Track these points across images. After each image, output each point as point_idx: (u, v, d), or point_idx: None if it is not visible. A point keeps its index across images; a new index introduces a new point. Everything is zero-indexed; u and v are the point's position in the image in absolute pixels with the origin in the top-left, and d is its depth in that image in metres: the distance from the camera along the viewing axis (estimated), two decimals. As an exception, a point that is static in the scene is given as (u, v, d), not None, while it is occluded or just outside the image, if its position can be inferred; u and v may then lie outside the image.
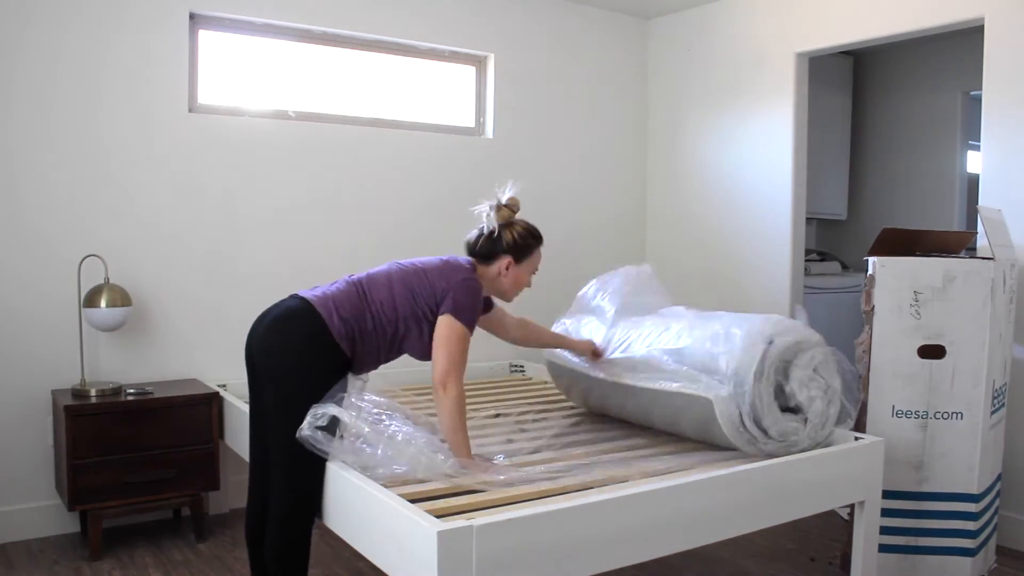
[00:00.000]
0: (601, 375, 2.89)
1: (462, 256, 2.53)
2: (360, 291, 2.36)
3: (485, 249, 2.51)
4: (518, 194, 2.56)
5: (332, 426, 2.19)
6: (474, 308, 2.38)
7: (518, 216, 2.57)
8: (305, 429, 2.15)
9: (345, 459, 2.19)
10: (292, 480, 2.24)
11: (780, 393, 2.52)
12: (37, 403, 3.28)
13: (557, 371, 3.21)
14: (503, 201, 2.53)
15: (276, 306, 2.36)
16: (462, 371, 2.31)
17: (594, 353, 2.91)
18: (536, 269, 2.60)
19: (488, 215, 2.52)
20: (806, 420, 2.51)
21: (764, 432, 2.45)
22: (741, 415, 2.43)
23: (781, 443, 2.47)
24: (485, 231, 2.52)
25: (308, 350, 2.25)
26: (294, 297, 2.36)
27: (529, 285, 2.63)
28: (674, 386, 2.60)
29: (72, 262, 3.27)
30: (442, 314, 2.33)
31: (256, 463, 2.42)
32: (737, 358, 2.45)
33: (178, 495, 3.21)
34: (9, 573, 2.95)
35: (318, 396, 2.19)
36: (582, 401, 3.17)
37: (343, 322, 2.28)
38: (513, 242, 2.50)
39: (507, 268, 2.51)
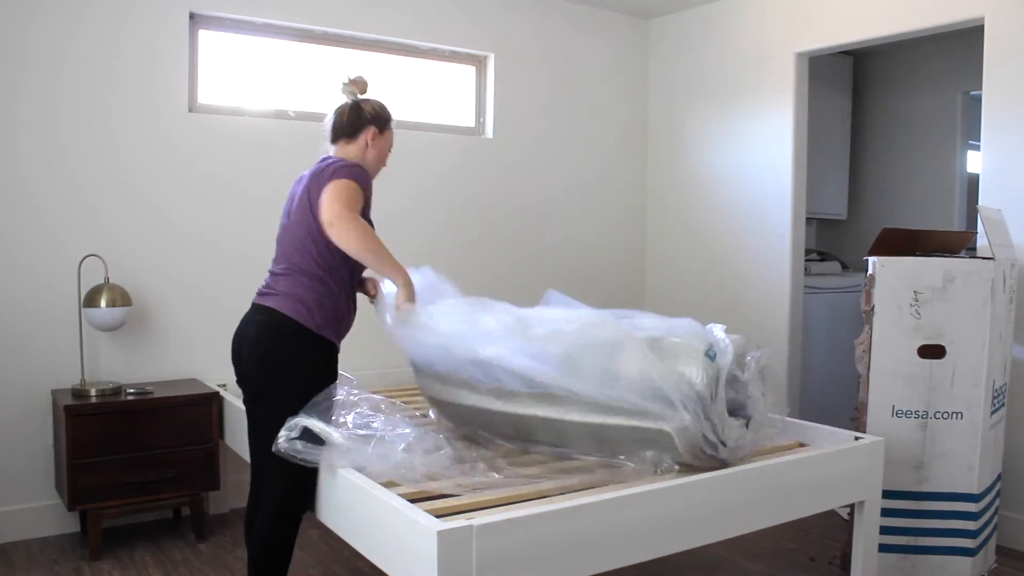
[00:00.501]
0: (500, 407, 2.46)
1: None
2: (293, 267, 2.34)
3: (349, 123, 2.48)
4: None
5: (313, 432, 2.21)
6: (357, 172, 2.33)
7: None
8: (281, 442, 2.16)
9: (335, 462, 2.18)
10: (283, 484, 2.29)
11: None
12: (37, 403, 3.28)
13: (426, 384, 2.72)
14: (351, 78, 2.56)
15: (248, 324, 2.39)
16: (353, 209, 2.25)
17: (405, 298, 2.42)
18: (391, 147, 2.59)
19: (344, 90, 2.54)
20: (747, 422, 2.33)
21: (723, 445, 2.24)
22: (704, 438, 2.19)
23: (734, 449, 2.27)
24: (346, 107, 2.50)
25: (298, 359, 2.29)
26: (261, 311, 2.35)
27: (386, 165, 2.60)
28: (615, 420, 2.25)
29: (72, 262, 3.27)
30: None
31: (254, 459, 2.47)
32: (690, 381, 2.16)
33: (178, 495, 3.21)
34: (9, 573, 2.95)
35: (310, 395, 2.23)
36: (453, 420, 2.73)
37: (316, 310, 2.29)
38: (374, 111, 2.51)
39: (372, 139, 2.49)
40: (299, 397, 2.22)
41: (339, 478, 2.18)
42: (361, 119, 2.49)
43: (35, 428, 3.28)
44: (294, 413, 2.19)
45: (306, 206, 2.32)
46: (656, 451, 2.25)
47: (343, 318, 2.39)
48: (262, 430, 2.33)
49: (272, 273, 2.42)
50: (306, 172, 2.44)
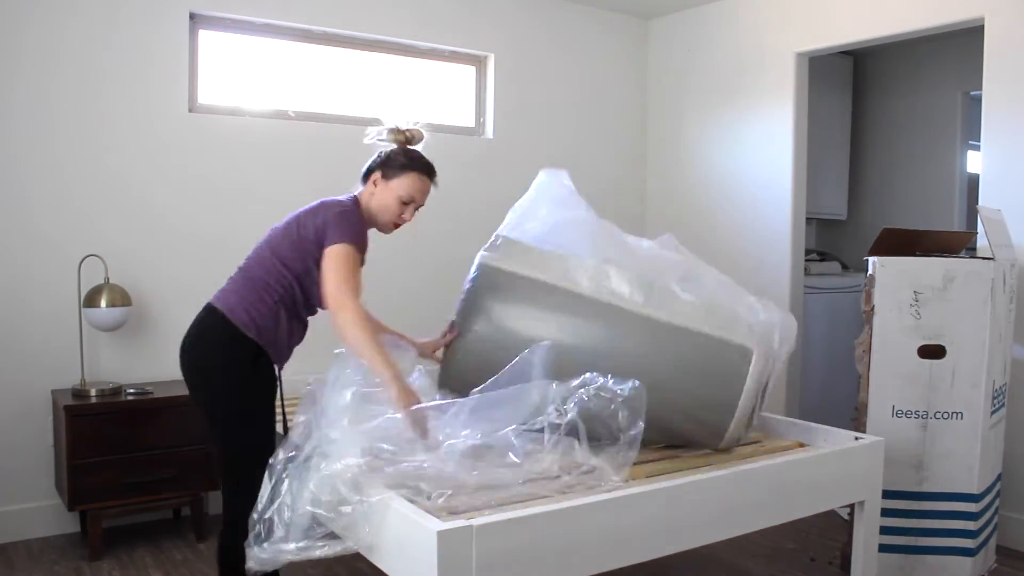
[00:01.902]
0: (584, 288, 2.42)
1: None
2: (250, 272, 2.29)
3: (364, 172, 2.39)
4: (420, 130, 2.46)
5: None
6: (355, 231, 2.23)
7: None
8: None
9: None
10: (233, 497, 2.29)
11: None
12: (37, 403, 3.28)
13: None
14: (402, 126, 2.41)
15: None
16: (355, 289, 2.17)
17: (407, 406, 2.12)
18: (412, 200, 2.37)
19: (381, 137, 2.40)
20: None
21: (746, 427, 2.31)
22: (766, 383, 2.23)
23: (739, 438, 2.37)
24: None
25: (219, 356, 2.22)
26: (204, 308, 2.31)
27: (405, 218, 2.41)
28: (702, 327, 2.29)
29: (72, 262, 3.27)
30: (325, 248, 2.20)
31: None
32: (771, 321, 2.23)
33: (178, 495, 3.21)
34: (9, 573, 2.95)
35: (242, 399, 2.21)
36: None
37: (246, 311, 2.21)
38: (384, 157, 2.36)
39: (375, 185, 2.34)
40: (224, 397, 2.20)
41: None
42: (370, 166, 2.39)
43: (35, 428, 3.28)
44: (223, 414, 2.20)
45: (292, 230, 2.30)
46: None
47: (279, 328, 2.26)
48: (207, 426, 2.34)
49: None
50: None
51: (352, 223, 2.24)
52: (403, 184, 2.35)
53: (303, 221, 2.27)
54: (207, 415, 2.28)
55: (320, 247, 2.21)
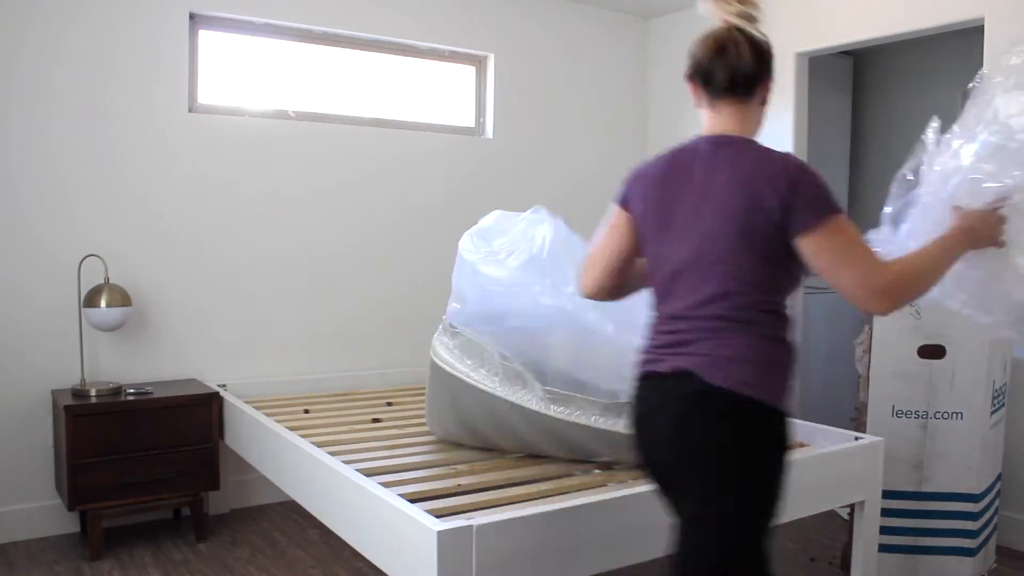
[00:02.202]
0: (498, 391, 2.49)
1: (715, 137, 1.63)
2: (729, 310, 1.52)
3: (753, 70, 1.60)
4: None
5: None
6: (827, 187, 1.50)
7: None
8: None
9: None
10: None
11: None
12: (37, 403, 3.28)
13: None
14: None
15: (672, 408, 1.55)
16: (876, 262, 1.47)
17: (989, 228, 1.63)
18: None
19: (722, 7, 1.69)
20: None
21: None
22: None
23: None
24: (741, 39, 1.61)
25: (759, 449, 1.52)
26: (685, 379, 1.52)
27: None
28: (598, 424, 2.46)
29: (72, 262, 3.27)
30: (808, 228, 1.46)
31: None
32: None
33: (178, 495, 3.21)
34: (9, 573, 2.95)
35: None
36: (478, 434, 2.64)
37: (770, 377, 1.51)
38: (771, 52, 1.64)
39: (765, 98, 1.65)
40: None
41: (339, 478, 2.18)
42: (763, 68, 1.61)
43: (35, 428, 3.28)
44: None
45: (743, 229, 1.49)
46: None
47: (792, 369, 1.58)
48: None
49: (675, 317, 1.58)
50: (696, 165, 1.61)
51: (817, 179, 1.50)
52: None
53: (752, 193, 1.50)
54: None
55: (780, 229, 1.49)
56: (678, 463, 1.55)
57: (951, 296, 1.78)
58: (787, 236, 1.49)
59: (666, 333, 1.59)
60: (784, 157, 1.53)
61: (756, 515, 1.51)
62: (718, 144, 1.60)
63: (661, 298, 1.63)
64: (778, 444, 1.51)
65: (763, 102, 1.64)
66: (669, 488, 1.62)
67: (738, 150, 1.56)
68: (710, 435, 1.49)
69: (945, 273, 1.55)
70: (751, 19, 1.64)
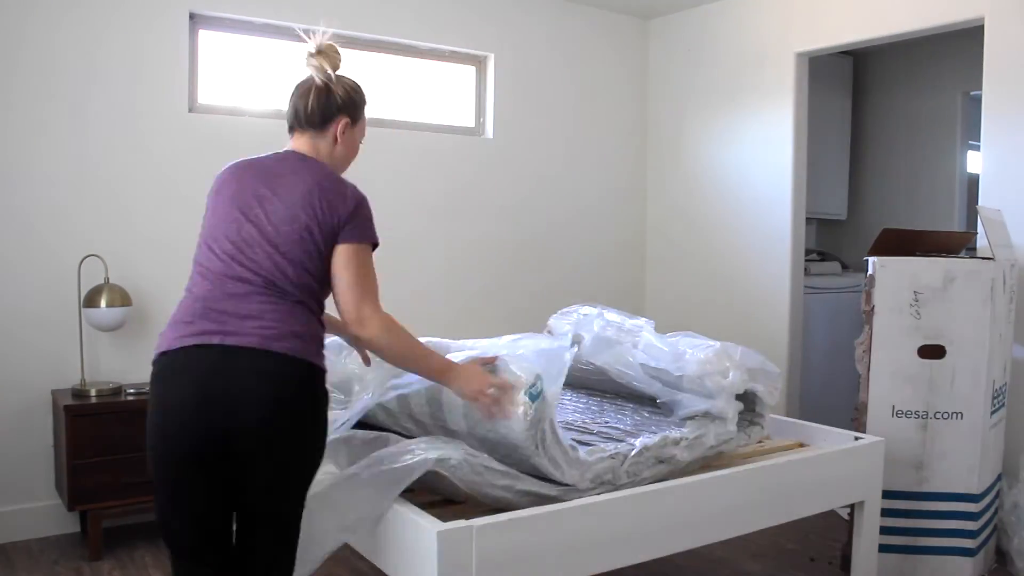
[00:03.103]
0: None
1: (290, 153, 1.98)
2: (278, 288, 1.80)
3: (318, 113, 1.93)
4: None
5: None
6: (368, 217, 1.91)
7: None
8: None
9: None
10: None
11: None
12: (37, 403, 3.28)
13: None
14: (320, 46, 2.01)
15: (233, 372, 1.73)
16: (376, 296, 1.85)
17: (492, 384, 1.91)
18: (363, 137, 2.07)
19: (310, 63, 1.98)
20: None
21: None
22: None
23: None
24: (312, 87, 1.95)
25: (317, 415, 1.81)
26: (255, 353, 1.73)
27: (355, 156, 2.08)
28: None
29: (72, 262, 3.27)
30: (342, 244, 1.82)
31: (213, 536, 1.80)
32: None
33: (178, 495, 3.21)
34: (9, 573, 2.95)
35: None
36: None
37: (317, 344, 1.83)
38: (347, 95, 1.96)
39: (343, 132, 1.96)
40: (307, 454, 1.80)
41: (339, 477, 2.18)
42: (330, 108, 1.95)
43: (35, 428, 3.28)
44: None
45: (303, 229, 1.81)
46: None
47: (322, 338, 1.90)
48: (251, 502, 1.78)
49: (224, 296, 1.85)
50: (265, 163, 1.98)
51: (363, 204, 1.91)
52: (363, 123, 2.03)
53: (318, 209, 1.83)
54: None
55: (328, 234, 1.82)
56: None
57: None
58: None
59: None
60: (350, 187, 1.91)
61: None
62: (294, 157, 2.00)
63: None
64: None
65: (335, 140, 1.97)
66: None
67: (315, 168, 1.94)
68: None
69: (416, 370, 1.92)
70: (331, 68, 2.01)
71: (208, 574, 1.77)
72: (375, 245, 1.92)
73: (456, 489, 1.97)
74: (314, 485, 1.83)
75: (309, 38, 2.02)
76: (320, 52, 2.00)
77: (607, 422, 2.47)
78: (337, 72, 2.01)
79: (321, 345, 1.84)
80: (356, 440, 2.13)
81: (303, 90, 1.98)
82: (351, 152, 2.03)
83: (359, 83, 2.05)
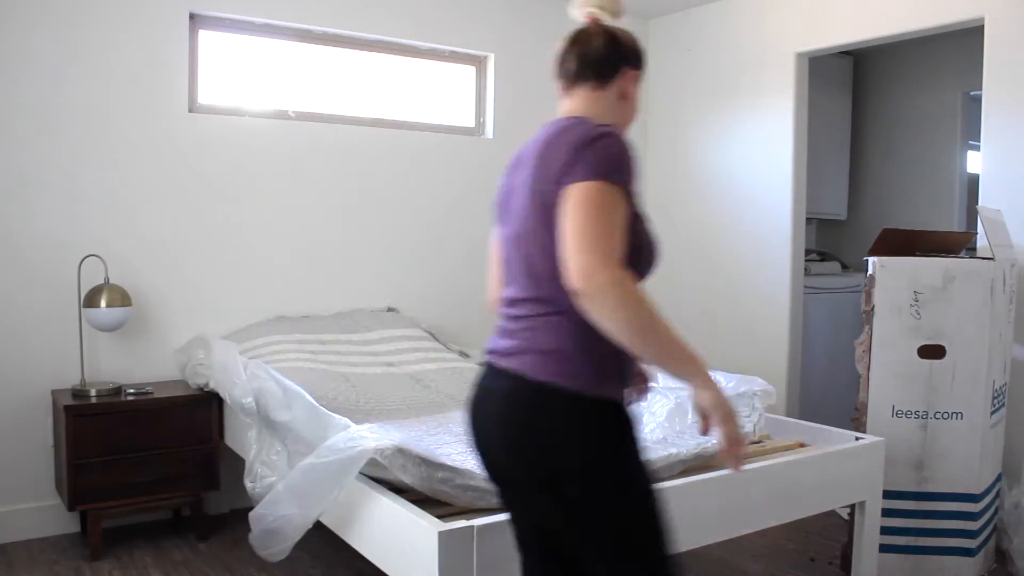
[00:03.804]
0: None
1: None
2: (541, 301, 1.48)
3: (603, 58, 1.61)
4: None
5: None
6: (613, 160, 1.44)
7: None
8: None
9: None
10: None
11: None
12: (37, 403, 3.28)
13: None
14: None
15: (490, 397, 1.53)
16: (611, 252, 1.35)
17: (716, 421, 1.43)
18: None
19: (583, 6, 1.71)
20: None
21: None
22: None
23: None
24: (593, 32, 1.65)
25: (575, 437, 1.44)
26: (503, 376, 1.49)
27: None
28: None
29: (72, 262, 3.27)
30: (572, 184, 1.42)
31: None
32: None
33: (178, 495, 3.21)
34: (9, 573, 2.95)
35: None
36: None
37: (581, 365, 1.45)
38: (632, 43, 1.65)
39: (629, 85, 1.63)
40: (612, 489, 1.44)
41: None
42: (619, 52, 1.62)
43: (35, 428, 3.28)
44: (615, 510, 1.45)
45: (538, 205, 1.47)
46: None
47: (624, 359, 1.49)
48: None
49: (508, 314, 1.55)
50: (528, 147, 1.60)
51: (607, 138, 1.46)
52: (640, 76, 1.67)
53: (542, 178, 1.48)
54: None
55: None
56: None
57: None
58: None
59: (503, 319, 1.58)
60: (591, 127, 1.46)
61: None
62: (549, 124, 1.57)
63: (503, 284, 1.61)
64: (601, 432, 1.45)
65: (622, 95, 1.63)
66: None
67: (558, 126, 1.53)
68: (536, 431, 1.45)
69: (665, 362, 1.38)
70: (612, 12, 1.67)
71: None
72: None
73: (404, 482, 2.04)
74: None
75: None
76: None
77: None
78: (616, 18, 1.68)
79: None
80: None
81: (580, 35, 1.67)
82: (635, 110, 1.68)
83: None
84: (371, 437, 2.07)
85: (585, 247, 1.35)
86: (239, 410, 2.78)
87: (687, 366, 1.38)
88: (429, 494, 1.99)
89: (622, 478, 1.44)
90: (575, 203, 1.39)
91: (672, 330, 1.36)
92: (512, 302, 1.54)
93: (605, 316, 1.33)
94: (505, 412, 1.49)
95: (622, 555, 1.44)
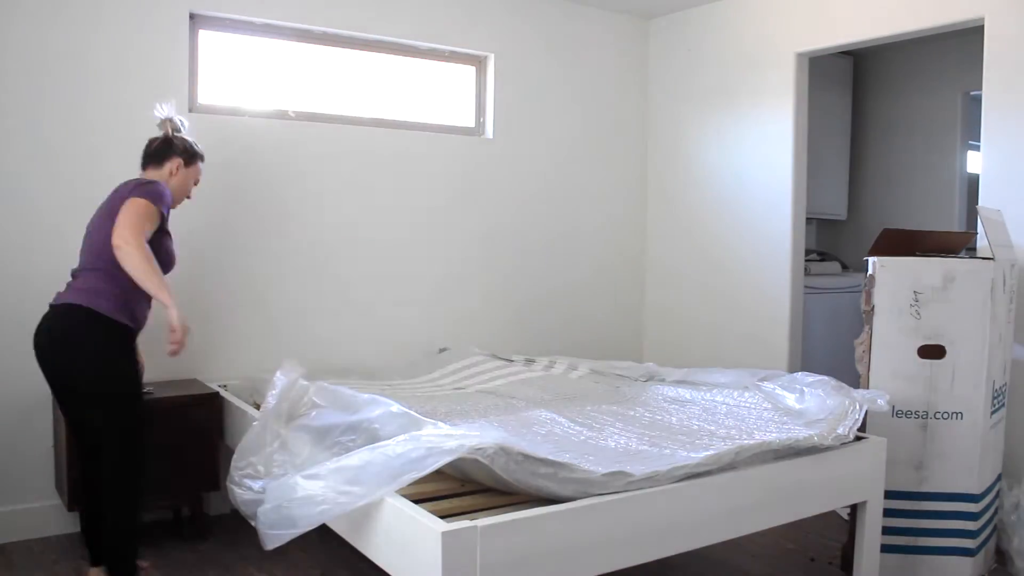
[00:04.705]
0: None
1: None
2: (89, 266, 2.67)
3: (157, 152, 2.86)
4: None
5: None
6: (156, 193, 2.65)
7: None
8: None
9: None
10: (124, 447, 2.62)
11: None
12: (37, 403, 3.28)
13: None
14: (167, 115, 2.90)
15: (50, 322, 2.70)
16: (139, 233, 2.53)
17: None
18: (197, 182, 2.98)
19: (160, 125, 2.90)
20: None
21: None
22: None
23: None
24: (158, 138, 2.87)
25: (102, 347, 2.60)
26: (59, 309, 2.67)
27: (190, 197, 2.96)
28: None
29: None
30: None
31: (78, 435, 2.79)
32: None
33: (178, 495, 3.21)
34: (9, 573, 2.95)
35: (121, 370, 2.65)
36: None
37: (109, 300, 2.58)
38: (184, 147, 2.88)
39: (177, 169, 2.86)
40: (103, 376, 2.60)
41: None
42: (169, 151, 2.86)
43: (35, 428, 3.28)
44: (104, 389, 2.60)
45: (104, 215, 2.65)
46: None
47: (136, 307, 2.68)
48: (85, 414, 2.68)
49: (72, 275, 2.74)
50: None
51: (153, 184, 2.70)
52: (196, 170, 2.95)
53: (113, 202, 2.66)
54: (93, 393, 2.64)
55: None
56: None
57: None
58: None
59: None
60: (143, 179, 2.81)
61: None
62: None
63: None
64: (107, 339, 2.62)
65: (170, 172, 2.88)
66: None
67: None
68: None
69: (147, 288, 2.56)
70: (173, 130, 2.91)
71: None
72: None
73: (497, 477, 2.01)
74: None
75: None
76: (164, 120, 2.90)
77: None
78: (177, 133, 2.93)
79: None
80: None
81: (152, 139, 2.91)
82: (184, 187, 2.94)
83: (195, 143, 2.96)
84: (472, 435, 1.99)
85: (126, 228, 2.56)
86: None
87: (161, 294, 2.53)
88: (529, 491, 2.00)
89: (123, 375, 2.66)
90: (126, 206, 2.60)
91: (157, 276, 2.54)
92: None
93: (126, 262, 2.53)
94: (52, 328, 2.71)
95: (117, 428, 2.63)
